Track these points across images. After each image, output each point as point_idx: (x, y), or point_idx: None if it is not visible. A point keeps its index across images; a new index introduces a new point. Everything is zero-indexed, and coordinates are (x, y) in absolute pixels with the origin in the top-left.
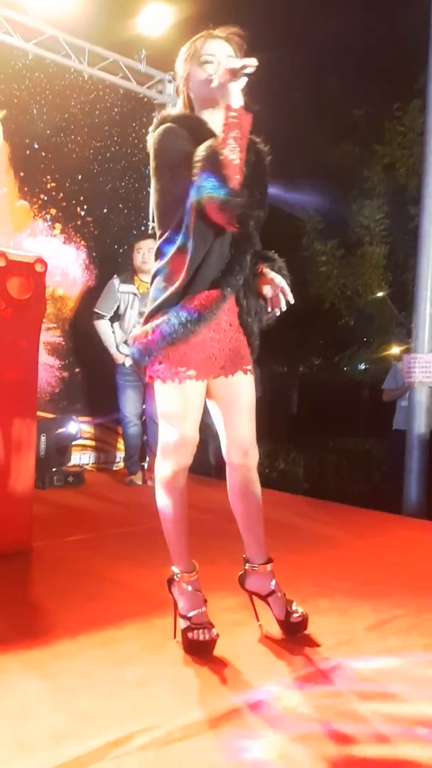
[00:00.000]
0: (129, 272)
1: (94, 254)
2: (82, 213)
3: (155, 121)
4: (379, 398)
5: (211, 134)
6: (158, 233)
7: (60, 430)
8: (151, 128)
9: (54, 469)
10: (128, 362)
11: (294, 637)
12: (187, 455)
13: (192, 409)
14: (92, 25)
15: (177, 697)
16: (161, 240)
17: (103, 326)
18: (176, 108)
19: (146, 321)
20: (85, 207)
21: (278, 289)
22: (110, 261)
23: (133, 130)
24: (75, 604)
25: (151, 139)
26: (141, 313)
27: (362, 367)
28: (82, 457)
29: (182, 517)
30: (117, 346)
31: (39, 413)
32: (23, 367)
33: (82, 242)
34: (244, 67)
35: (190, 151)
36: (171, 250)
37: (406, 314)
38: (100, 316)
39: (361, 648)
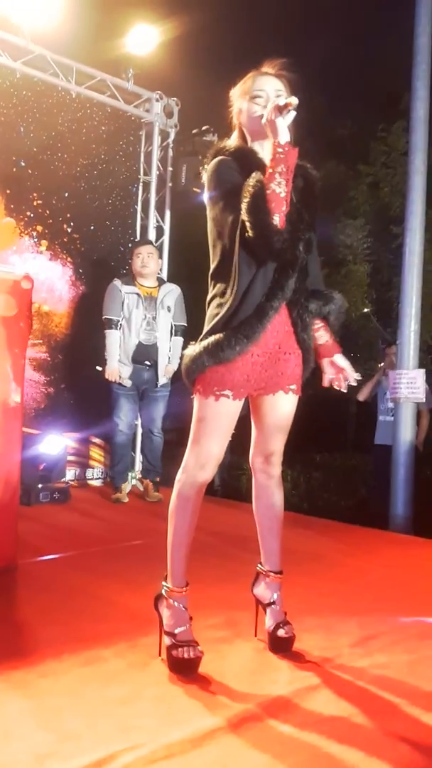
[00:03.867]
0: (129, 276)
1: (81, 271)
2: (69, 230)
3: (211, 151)
4: (365, 413)
5: (261, 165)
6: (211, 260)
7: (33, 447)
8: (207, 159)
9: (40, 486)
10: (126, 381)
11: (279, 654)
12: (208, 471)
13: (221, 428)
14: (80, 45)
15: (161, 716)
16: (213, 267)
17: (112, 337)
18: (231, 139)
19: (199, 341)
20: (72, 224)
21: (340, 371)
22: (96, 278)
23: (120, 149)
24: (60, 622)
25: (206, 171)
26: (145, 316)
27: None
28: (68, 473)
29: (189, 531)
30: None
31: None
32: (10, 383)
33: (69, 259)
34: (288, 105)
35: (240, 182)
36: (221, 278)
37: (391, 331)
38: (111, 323)
39: (346, 664)
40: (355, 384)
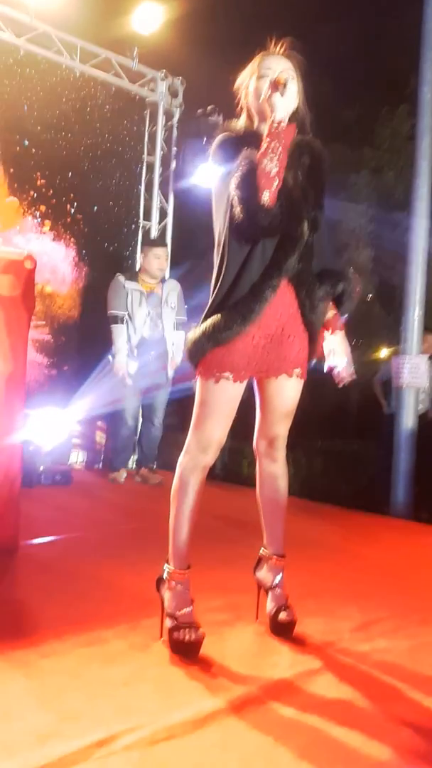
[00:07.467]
0: (133, 271)
1: (84, 251)
2: (72, 210)
3: (218, 131)
4: (367, 400)
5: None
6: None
7: (35, 428)
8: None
9: (42, 468)
10: (128, 380)
11: (281, 637)
12: (210, 454)
13: (223, 411)
14: (85, 22)
15: (162, 698)
16: (215, 246)
17: (118, 331)
18: (239, 120)
19: (200, 324)
20: (75, 204)
21: (338, 368)
22: (100, 258)
23: (125, 128)
24: (62, 603)
25: (211, 148)
26: (148, 312)
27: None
28: (71, 456)
29: (191, 513)
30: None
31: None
32: (11, 364)
33: (72, 239)
34: (280, 80)
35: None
36: (218, 257)
37: (393, 317)
38: (117, 319)
39: (346, 649)
40: (350, 379)
